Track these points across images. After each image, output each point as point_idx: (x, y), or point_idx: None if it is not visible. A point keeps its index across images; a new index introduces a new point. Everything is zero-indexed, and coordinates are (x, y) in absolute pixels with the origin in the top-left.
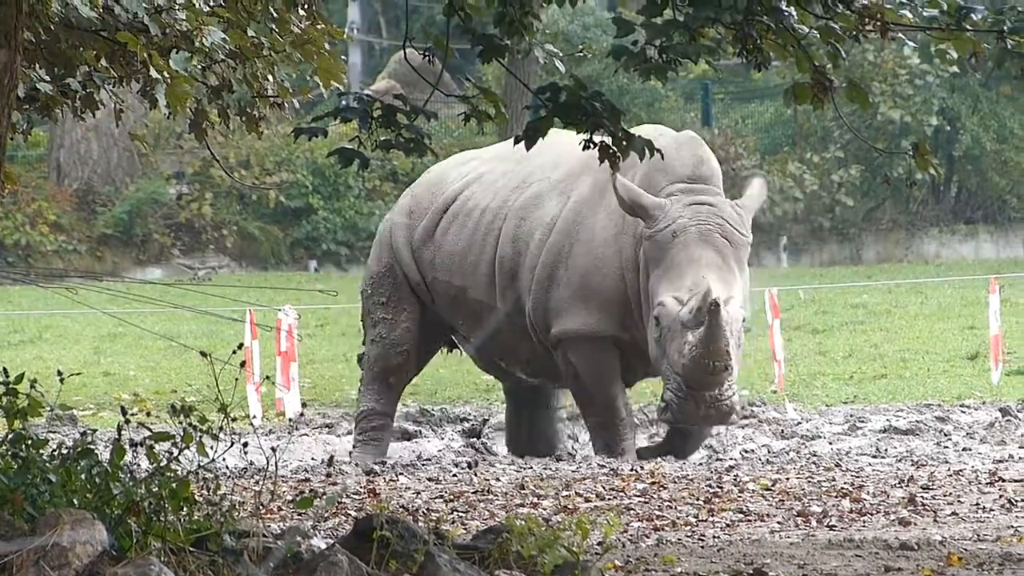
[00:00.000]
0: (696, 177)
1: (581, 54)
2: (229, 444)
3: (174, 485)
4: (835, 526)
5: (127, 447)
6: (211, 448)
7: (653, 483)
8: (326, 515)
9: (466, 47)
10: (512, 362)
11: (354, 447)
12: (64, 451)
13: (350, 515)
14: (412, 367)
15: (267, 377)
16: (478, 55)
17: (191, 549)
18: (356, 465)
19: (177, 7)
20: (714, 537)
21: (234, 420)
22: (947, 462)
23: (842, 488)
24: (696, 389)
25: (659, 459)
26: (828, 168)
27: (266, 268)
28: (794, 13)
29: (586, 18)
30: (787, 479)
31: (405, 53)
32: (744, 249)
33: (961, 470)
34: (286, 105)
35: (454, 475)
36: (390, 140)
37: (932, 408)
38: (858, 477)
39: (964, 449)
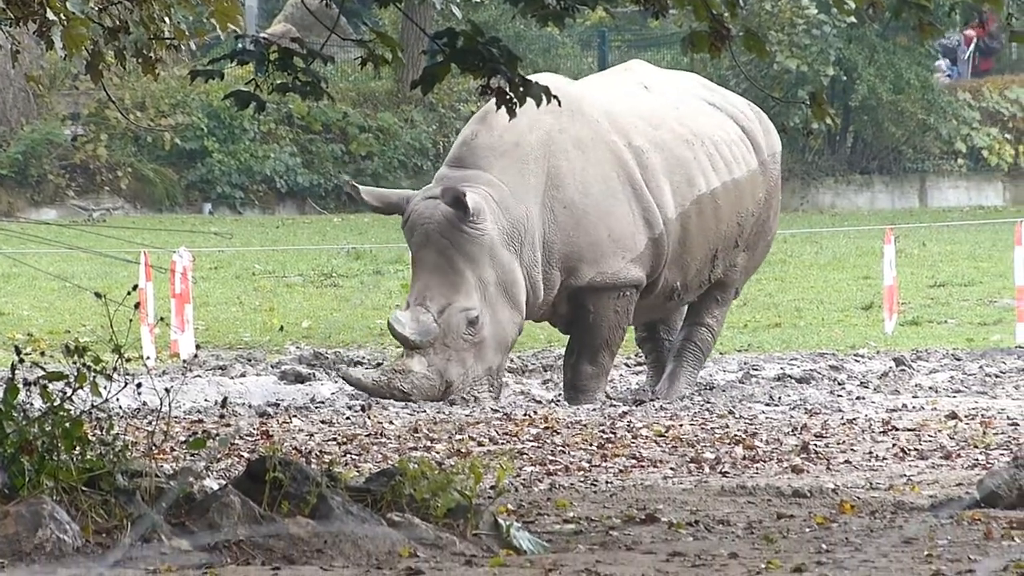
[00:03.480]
0: (454, 159)
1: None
2: (123, 385)
3: (67, 425)
4: (728, 473)
5: (20, 386)
6: (105, 388)
7: (546, 428)
8: (219, 456)
9: None
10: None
11: None
12: None
13: (243, 456)
14: None
15: (161, 318)
16: None
17: (84, 489)
18: (248, 407)
19: None
20: (607, 482)
21: (128, 361)
22: (840, 411)
23: (735, 435)
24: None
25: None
26: None
27: (161, 210)
28: None
29: None
30: (680, 426)
31: None
32: (475, 243)
33: (854, 419)
34: (182, 47)
35: (347, 418)
36: (286, 83)
37: (826, 357)
38: (751, 425)
39: (858, 398)
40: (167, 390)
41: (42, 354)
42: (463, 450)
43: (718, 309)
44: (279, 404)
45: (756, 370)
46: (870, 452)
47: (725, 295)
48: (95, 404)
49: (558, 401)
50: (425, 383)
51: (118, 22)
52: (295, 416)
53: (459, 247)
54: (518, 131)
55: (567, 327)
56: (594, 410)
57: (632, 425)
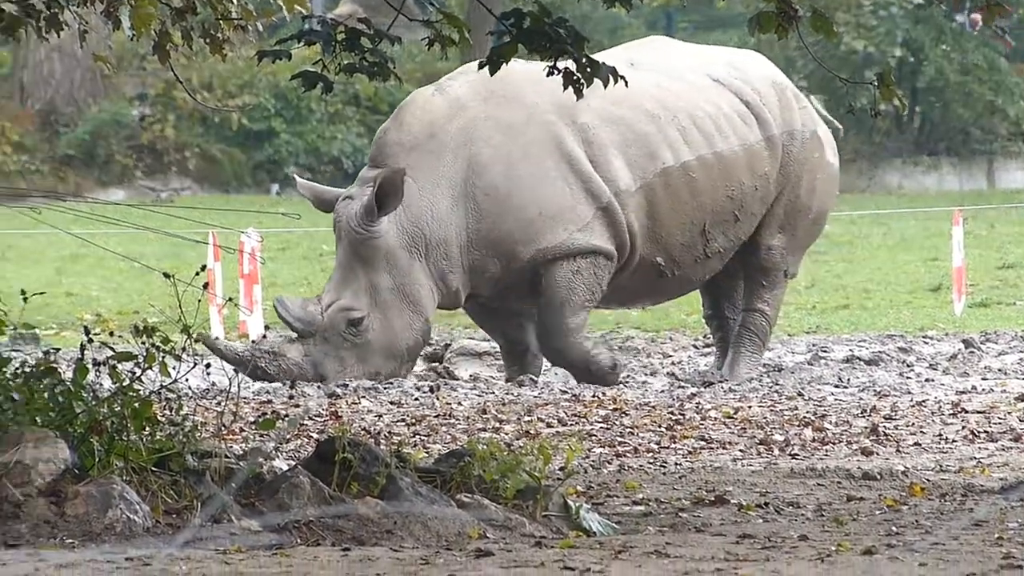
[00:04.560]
0: (370, 158)
1: None
2: (192, 365)
3: (137, 405)
4: (797, 455)
5: (90, 366)
6: (174, 368)
7: (615, 409)
8: (288, 437)
9: None
10: None
11: None
12: (27, 370)
13: (312, 437)
14: None
15: (230, 299)
16: None
17: (153, 469)
18: (317, 387)
19: None
20: (676, 464)
21: (196, 341)
22: (910, 393)
23: (805, 417)
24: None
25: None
26: None
27: (228, 191)
28: None
29: None
30: (749, 407)
31: None
32: (368, 247)
33: (924, 401)
34: (250, 28)
35: (416, 399)
36: (353, 64)
37: (895, 339)
38: (820, 406)
39: (927, 380)
40: (236, 371)
41: (111, 334)
42: (532, 431)
43: (767, 293)
44: (348, 384)
45: (825, 352)
46: (940, 434)
47: (770, 279)
48: (164, 384)
49: (627, 383)
50: (295, 370)
51: (185, 2)
52: (364, 397)
53: (355, 249)
54: (435, 122)
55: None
56: (663, 391)
57: (701, 407)
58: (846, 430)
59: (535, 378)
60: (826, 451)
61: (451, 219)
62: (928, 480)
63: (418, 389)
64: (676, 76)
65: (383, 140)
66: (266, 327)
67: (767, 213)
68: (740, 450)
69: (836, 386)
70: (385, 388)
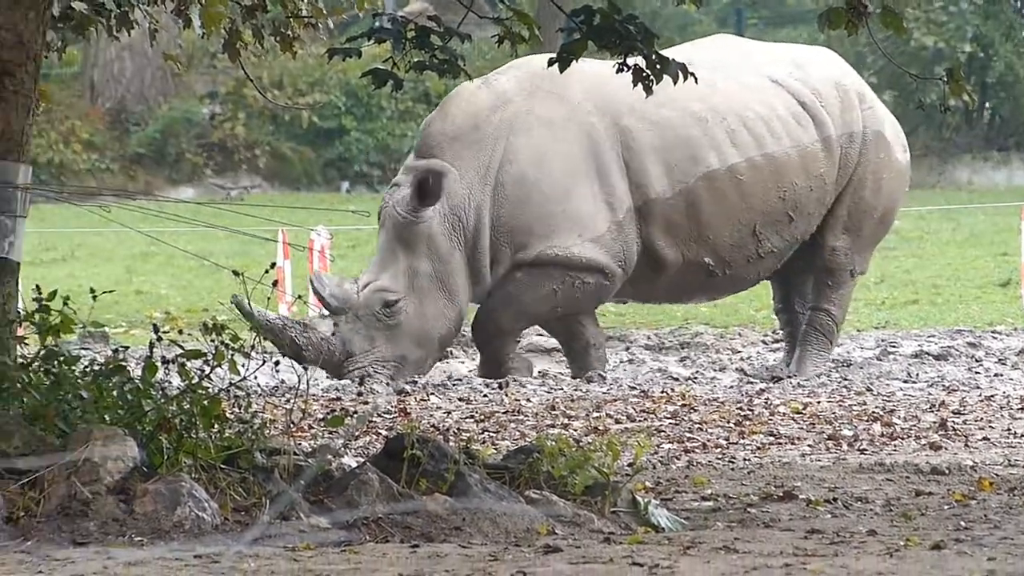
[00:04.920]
0: (415, 148)
1: None
2: (261, 362)
3: (205, 402)
4: (866, 450)
5: (159, 364)
6: (242, 366)
7: (684, 405)
8: (357, 434)
9: None
10: None
11: None
12: (96, 368)
13: (381, 434)
14: None
15: (299, 296)
16: None
17: (222, 466)
18: (387, 384)
19: None
20: (745, 460)
21: (266, 339)
22: (978, 387)
23: (873, 412)
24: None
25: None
26: None
27: (298, 189)
28: None
29: None
30: (818, 403)
31: None
32: (411, 231)
33: (992, 396)
34: (320, 25)
35: (485, 395)
36: (424, 61)
37: (964, 334)
38: (889, 402)
39: (996, 375)
40: (305, 368)
41: (180, 332)
42: (600, 427)
43: (833, 293)
44: (416, 381)
45: (894, 347)
46: (1008, 429)
47: (836, 279)
48: (233, 382)
49: (695, 378)
50: (324, 345)
51: (256, 0)
52: (433, 393)
53: (398, 233)
54: (478, 114)
55: None
56: (731, 387)
57: (770, 402)
58: (915, 425)
59: (603, 374)
60: (895, 446)
61: (484, 207)
62: (996, 475)
63: (487, 385)
64: (732, 76)
65: (428, 131)
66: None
67: (829, 214)
68: (809, 445)
69: (905, 381)
70: (454, 385)
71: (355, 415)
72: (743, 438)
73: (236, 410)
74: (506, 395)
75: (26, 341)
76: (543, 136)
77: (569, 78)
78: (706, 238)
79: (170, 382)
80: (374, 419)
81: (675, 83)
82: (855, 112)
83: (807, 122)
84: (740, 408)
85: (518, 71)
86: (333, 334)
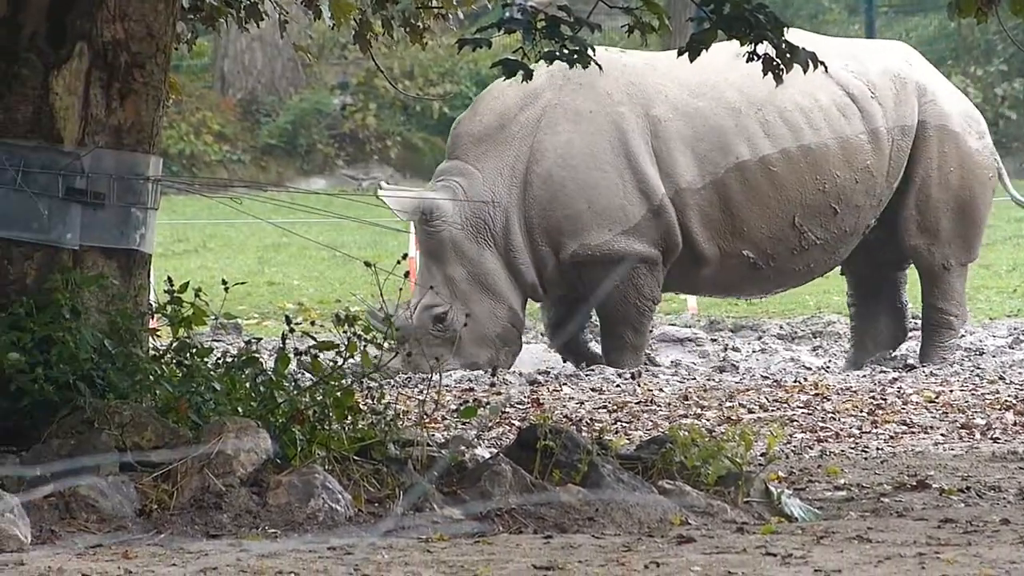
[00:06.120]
0: (447, 150)
1: None
2: (394, 354)
3: (338, 394)
4: (999, 439)
5: (291, 356)
6: (375, 357)
7: (816, 395)
8: (490, 425)
9: None
10: None
11: None
12: (228, 360)
13: (514, 425)
14: None
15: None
16: None
17: (355, 458)
18: (519, 375)
19: None
20: (877, 449)
21: (398, 330)
22: None
23: (1006, 401)
24: None
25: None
26: (992, 82)
27: (430, 179)
28: None
29: None
30: (951, 392)
31: None
32: (435, 241)
33: None
34: (450, 16)
35: (617, 385)
36: (553, 52)
37: None
38: (1022, 390)
39: None
40: (437, 359)
41: (312, 324)
42: (733, 417)
43: (936, 288)
44: (549, 372)
45: None
46: None
47: (930, 275)
48: (366, 373)
49: (828, 367)
50: (394, 374)
51: None
52: (565, 384)
53: (425, 248)
54: (505, 113)
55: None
56: (864, 376)
57: (902, 391)
58: None
59: (736, 364)
60: None
61: (512, 207)
62: None
63: (619, 375)
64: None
65: (456, 131)
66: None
67: (898, 214)
68: (942, 434)
69: None
70: (587, 375)
71: (488, 406)
72: (876, 427)
73: (369, 401)
74: (639, 385)
75: (158, 333)
76: (569, 132)
77: (605, 67)
78: (741, 230)
79: (303, 373)
80: (507, 410)
81: (805, 71)
82: (910, 105)
83: (853, 114)
84: (873, 397)
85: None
86: (405, 363)
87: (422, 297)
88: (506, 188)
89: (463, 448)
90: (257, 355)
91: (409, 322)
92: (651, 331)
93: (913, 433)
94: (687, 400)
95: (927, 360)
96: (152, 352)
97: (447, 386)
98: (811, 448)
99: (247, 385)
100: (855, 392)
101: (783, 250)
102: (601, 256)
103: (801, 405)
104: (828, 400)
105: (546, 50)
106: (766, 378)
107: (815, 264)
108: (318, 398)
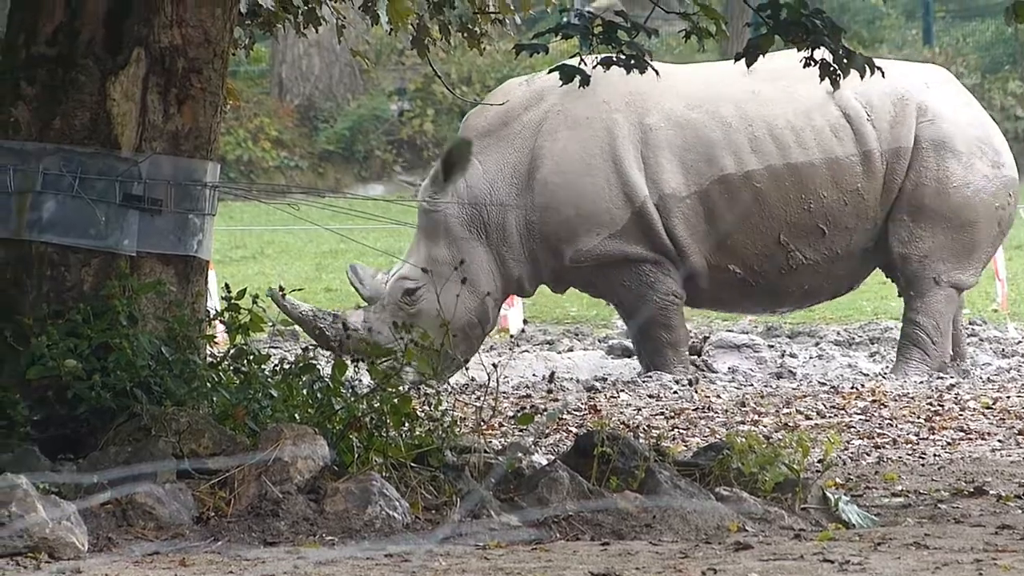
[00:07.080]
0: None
1: None
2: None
3: (396, 401)
4: None
5: (348, 362)
6: (433, 364)
7: (874, 401)
8: (547, 431)
9: None
10: None
11: None
12: (286, 366)
13: (571, 431)
14: None
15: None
16: None
17: (412, 465)
18: (576, 381)
19: None
20: (935, 455)
21: (454, 337)
22: None
23: None
24: None
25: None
26: None
27: None
28: None
29: None
30: (1008, 398)
31: None
32: (428, 217)
33: None
34: (507, 21)
35: (675, 392)
36: (611, 57)
37: None
38: None
39: None
40: (495, 365)
41: (369, 330)
42: (791, 424)
43: (918, 302)
44: (606, 378)
45: None
46: None
47: (917, 288)
48: (423, 379)
49: (885, 374)
50: (353, 335)
51: None
52: (623, 390)
53: (422, 223)
54: (511, 111)
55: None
56: (921, 382)
57: (960, 397)
58: None
59: (793, 370)
60: None
61: (509, 207)
62: None
63: (676, 382)
64: (785, 86)
65: (465, 125)
66: (524, 322)
67: (889, 221)
68: (999, 441)
69: None
70: (644, 382)
71: (545, 412)
72: (933, 434)
73: (426, 408)
74: (696, 392)
75: (216, 340)
76: (566, 139)
77: (606, 76)
78: (726, 243)
79: (360, 380)
80: (564, 416)
81: (862, 77)
82: (907, 127)
83: (847, 135)
84: (930, 404)
85: None
86: (364, 323)
87: (399, 268)
88: (506, 186)
89: (520, 455)
90: (314, 362)
91: (383, 287)
92: (707, 337)
93: (970, 439)
94: (744, 406)
95: (900, 375)
96: (210, 359)
97: (504, 393)
98: (868, 454)
99: (304, 392)
100: (912, 398)
101: (771, 268)
102: (596, 260)
103: (858, 411)
104: (885, 406)
105: (603, 55)
106: (823, 384)
107: (809, 286)
108: (375, 405)
